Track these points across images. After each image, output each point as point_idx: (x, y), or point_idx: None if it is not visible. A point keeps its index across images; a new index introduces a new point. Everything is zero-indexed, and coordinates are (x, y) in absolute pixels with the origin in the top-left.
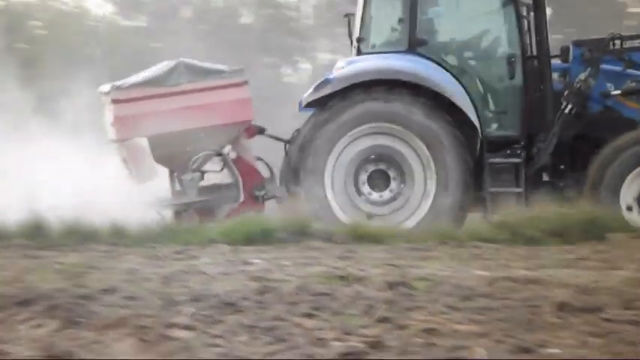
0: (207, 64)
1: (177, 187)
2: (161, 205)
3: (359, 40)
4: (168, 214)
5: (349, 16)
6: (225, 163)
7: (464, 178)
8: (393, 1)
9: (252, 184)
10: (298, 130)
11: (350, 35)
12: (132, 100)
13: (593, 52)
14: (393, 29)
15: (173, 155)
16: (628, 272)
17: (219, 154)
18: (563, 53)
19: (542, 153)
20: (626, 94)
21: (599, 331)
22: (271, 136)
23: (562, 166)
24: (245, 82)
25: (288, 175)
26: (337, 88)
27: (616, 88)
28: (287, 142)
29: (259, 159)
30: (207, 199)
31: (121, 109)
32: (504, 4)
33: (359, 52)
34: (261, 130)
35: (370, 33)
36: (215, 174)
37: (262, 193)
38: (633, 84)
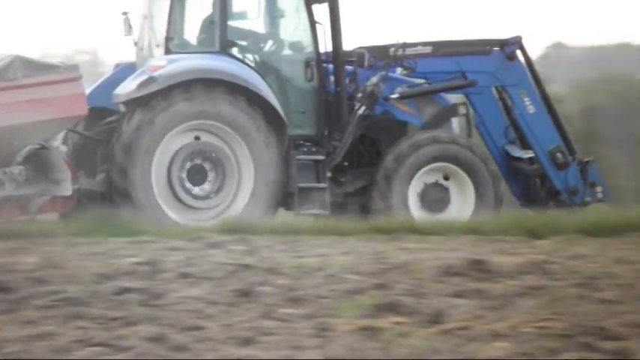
0: (43, 60)
1: None
2: None
3: (168, 39)
4: None
5: (126, 15)
6: (54, 157)
7: (279, 172)
8: (202, 3)
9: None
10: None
11: (127, 34)
12: None
13: (378, 58)
14: (203, 30)
15: (1, 148)
16: None
17: (45, 148)
18: (359, 58)
19: (339, 151)
20: (402, 98)
21: None
22: (76, 132)
23: (346, 163)
24: (80, 77)
25: (116, 176)
26: (165, 85)
27: (393, 93)
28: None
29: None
30: (29, 193)
31: None
32: (298, 11)
33: (167, 51)
34: None
35: (178, 33)
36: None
37: (76, 186)
38: (407, 89)
